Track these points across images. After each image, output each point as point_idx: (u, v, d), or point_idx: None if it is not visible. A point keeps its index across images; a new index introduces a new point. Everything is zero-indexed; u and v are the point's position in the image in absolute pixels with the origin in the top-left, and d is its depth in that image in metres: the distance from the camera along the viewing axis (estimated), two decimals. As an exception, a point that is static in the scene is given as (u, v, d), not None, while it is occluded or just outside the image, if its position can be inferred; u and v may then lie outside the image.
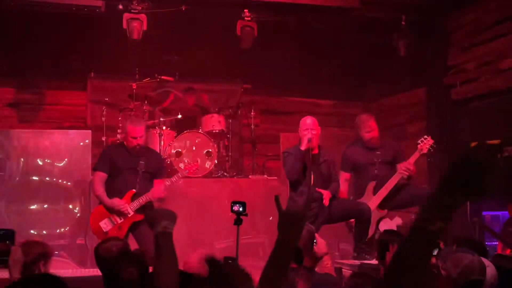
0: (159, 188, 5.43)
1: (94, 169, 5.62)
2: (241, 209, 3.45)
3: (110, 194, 5.39)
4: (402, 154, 6.07)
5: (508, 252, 6.52)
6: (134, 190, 5.34)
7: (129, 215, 5.31)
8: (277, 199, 1.95)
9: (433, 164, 6.03)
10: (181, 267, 3.61)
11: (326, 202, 5.60)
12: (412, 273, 1.38)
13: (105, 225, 5.26)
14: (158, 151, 7.37)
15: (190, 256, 3.49)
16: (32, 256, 3.23)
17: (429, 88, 8.11)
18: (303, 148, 5.61)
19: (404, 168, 5.80)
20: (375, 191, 5.91)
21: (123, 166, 5.45)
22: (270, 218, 7.06)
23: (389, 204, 6.04)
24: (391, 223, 6.99)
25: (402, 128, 8.84)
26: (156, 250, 2.16)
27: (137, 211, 5.31)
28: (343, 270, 5.24)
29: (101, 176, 5.45)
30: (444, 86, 7.70)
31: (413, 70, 8.35)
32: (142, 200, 5.31)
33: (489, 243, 6.81)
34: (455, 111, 7.63)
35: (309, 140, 5.59)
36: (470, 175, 1.33)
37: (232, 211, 3.55)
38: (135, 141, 5.43)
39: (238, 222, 3.53)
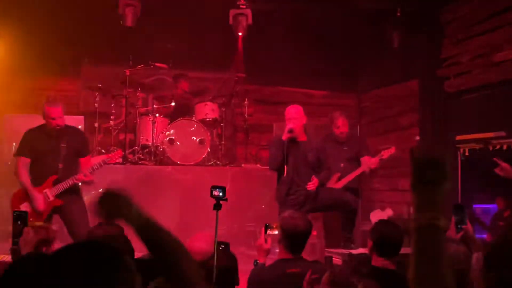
0: (84, 170, 5.34)
1: (15, 155, 5.46)
2: (221, 194, 3.42)
3: (33, 180, 5.29)
4: (365, 149, 6.95)
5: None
6: (56, 176, 5.27)
7: (49, 200, 5.27)
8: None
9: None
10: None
11: (310, 186, 5.56)
12: None
13: (25, 208, 5.10)
14: (151, 137, 7.37)
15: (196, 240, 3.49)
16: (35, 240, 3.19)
17: (422, 80, 8.11)
18: (284, 138, 5.61)
19: (367, 167, 6.68)
20: (339, 179, 6.60)
21: (44, 149, 5.31)
22: (262, 206, 7.07)
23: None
24: (382, 214, 7.07)
25: (394, 119, 8.86)
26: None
27: (59, 196, 5.27)
28: (333, 259, 5.27)
29: (24, 161, 5.31)
30: (437, 78, 7.71)
31: (406, 61, 8.34)
32: (65, 185, 5.26)
33: (479, 235, 6.88)
34: (448, 103, 7.65)
35: (290, 130, 5.58)
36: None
37: (212, 195, 3.49)
38: (54, 122, 5.25)
39: (217, 207, 3.48)
